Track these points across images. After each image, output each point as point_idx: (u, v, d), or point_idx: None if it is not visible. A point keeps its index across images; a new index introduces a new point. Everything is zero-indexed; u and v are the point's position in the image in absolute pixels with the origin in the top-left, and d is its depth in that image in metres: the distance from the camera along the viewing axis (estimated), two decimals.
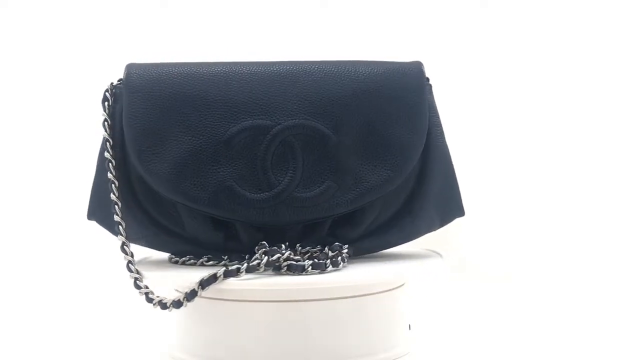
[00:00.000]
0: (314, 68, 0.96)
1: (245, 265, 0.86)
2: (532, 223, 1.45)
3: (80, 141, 1.50)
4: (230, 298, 0.88)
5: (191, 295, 0.85)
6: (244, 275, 0.85)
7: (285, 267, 0.87)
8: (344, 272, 0.89)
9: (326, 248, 0.94)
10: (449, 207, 1.01)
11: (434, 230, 1.01)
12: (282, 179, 0.93)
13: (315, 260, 0.89)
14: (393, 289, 0.93)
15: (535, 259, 1.42)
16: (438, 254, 1.03)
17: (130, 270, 0.92)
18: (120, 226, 0.93)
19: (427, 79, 1.00)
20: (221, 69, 0.96)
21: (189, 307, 0.91)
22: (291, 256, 0.88)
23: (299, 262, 0.88)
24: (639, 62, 1.44)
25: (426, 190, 0.98)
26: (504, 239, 1.45)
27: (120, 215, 0.93)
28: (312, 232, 0.95)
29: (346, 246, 0.94)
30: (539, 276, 1.38)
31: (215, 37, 1.49)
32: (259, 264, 0.87)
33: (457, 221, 1.41)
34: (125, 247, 0.93)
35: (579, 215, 1.43)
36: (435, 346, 1.01)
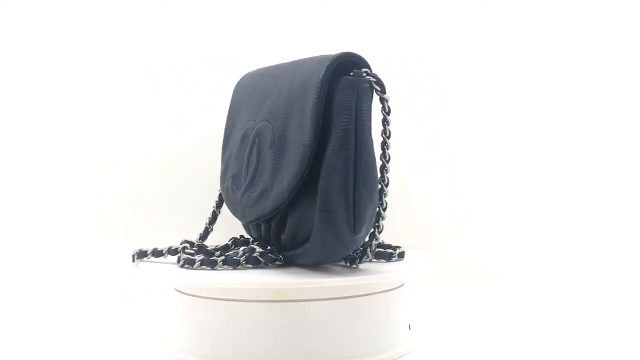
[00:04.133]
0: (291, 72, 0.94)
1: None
2: (532, 223, 1.45)
3: (76, 139, 1.50)
4: (230, 298, 0.88)
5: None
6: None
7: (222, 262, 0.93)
8: (343, 272, 0.89)
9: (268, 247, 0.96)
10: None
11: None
12: (246, 178, 0.96)
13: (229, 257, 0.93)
14: (393, 289, 0.93)
15: (535, 259, 1.42)
16: (437, 254, 1.03)
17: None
18: None
19: (362, 74, 0.87)
20: (253, 76, 1.04)
21: (189, 307, 0.91)
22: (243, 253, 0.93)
23: (234, 258, 0.93)
24: (636, 63, 1.44)
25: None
26: (504, 239, 1.45)
27: None
28: (267, 231, 0.96)
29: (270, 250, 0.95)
30: (539, 276, 1.38)
31: (215, 37, 1.50)
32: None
33: (457, 221, 1.41)
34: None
35: (579, 215, 1.43)
36: (435, 346, 1.01)
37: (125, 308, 1.24)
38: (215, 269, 0.92)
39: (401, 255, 0.97)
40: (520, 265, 1.41)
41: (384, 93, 0.88)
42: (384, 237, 1.07)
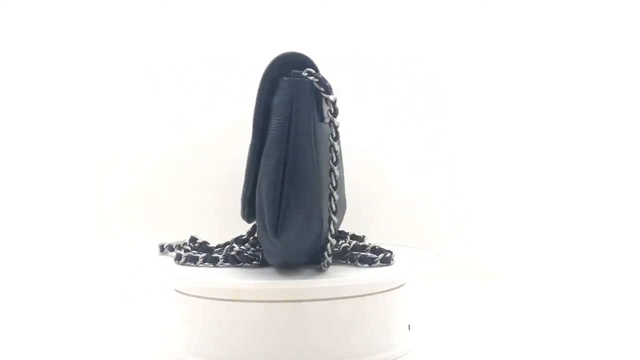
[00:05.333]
0: None
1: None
2: (532, 223, 1.45)
3: (77, 139, 1.50)
4: (230, 298, 0.88)
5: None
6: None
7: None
8: (344, 273, 0.89)
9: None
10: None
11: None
12: None
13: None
14: (393, 289, 0.93)
15: (536, 259, 1.42)
16: (437, 254, 1.03)
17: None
18: None
19: (302, 75, 0.85)
20: None
21: (189, 307, 0.91)
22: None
23: (213, 255, 0.95)
24: (636, 63, 1.44)
25: None
26: (504, 239, 1.45)
27: None
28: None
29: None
30: (539, 276, 1.38)
31: (215, 37, 1.50)
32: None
33: (457, 221, 1.41)
34: None
35: (579, 215, 1.43)
36: (435, 346, 1.01)
37: (125, 308, 1.24)
38: (197, 266, 0.94)
39: (385, 260, 0.93)
40: (520, 265, 1.41)
41: (329, 94, 0.85)
42: (384, 238, 1.08)
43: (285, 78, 0.85)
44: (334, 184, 0.86)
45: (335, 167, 0.86)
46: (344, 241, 0.99)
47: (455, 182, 1.48)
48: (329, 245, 0.87)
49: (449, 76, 1.48)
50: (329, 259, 0.88)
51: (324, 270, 0.89)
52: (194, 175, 1.47)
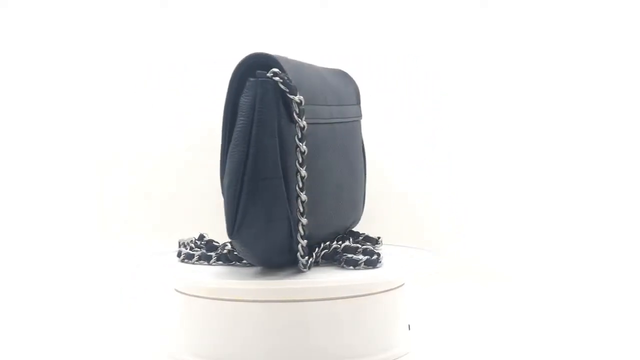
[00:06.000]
0: None
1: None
2: (532, 223, 1.45)
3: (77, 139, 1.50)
4: (230, 298, 0.88)
5: None
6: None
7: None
8: (343, 273, 0.89)
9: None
10: None
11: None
12: None
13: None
14: (392, 289, 0.93)
15: (536, 259, 1.42)
16: (437, 254, 1.03)
17: None
18: None
19: (266, 75, 0.85)
20: None
21: (189, 307, 0.91)
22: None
23: (207, 254, 0.96)
24: (636, 63, 1.44)
25: None
26: (504, 239, 1.45)
27: None
28: None
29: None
30: (539, 276, 1.38)
31: (215, 37, 1.50)
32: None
33: (457, 221, 1.41)
34: None
35: (579, 215, 1.43)
36: (435, 346, 1.01)
37: (125, 308, 1.24)
38: (193, 263, 0.95)
39: (370, 263, 0.91)
40: (521, 265, 1.41)
41: (293, 94, 0.85)
42: (384, 238, 1.08)
43: (251, 79, 0.84)
44: (300, 185, 0.85)
45: (302, 169, 0.85)
46: (338, 242, 0.97)
47: (455, 182, 1.48)
48: (299, 246, 0.87)
49: (449, 76, 1.48)
50: (303, 260, 0.88)
51: (304, 272, 0.88)
52: (194, 175, 1.47)
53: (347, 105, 1.03)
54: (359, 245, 0.96)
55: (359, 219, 1.09)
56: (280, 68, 0.85)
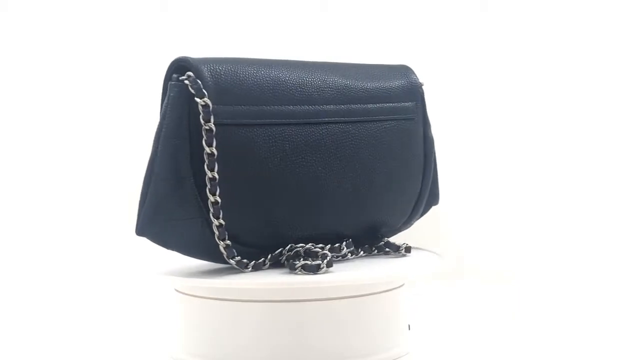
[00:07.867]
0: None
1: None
2: (531, 223, 1.45)
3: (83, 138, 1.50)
4: (230, 298, 0.88)
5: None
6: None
7: None
8: (343, 272, 0.89)
9: None
10: None
11: None
12: None
13: None
14: (393, 289, 0.93)
15: (535, 260, 1.42)
16: (437, 254, 1.03)
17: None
18: None
19: (180, 78, 0.88)
20: None
21: (189, 307, 0.91)
22: None
23: None
24: (636, 63, 1.44)
25: None
26: (504, 239, 1.45)
27: None
28: None
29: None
30: (540, 277, 1.38)
31: (215, 37, 1.50)
32: None
33: (457, 221, 1.41)
34: None
35: (579, 216, 1.43)
36: (435, 346, 1.02)
37: (125, 308, 1.24)
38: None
39: (308, 268, 0.88)
40: (521, 267, 1.41)
41: (201, 97, 0.86)
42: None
43: (170, 82, 0.87)
44: (209, 187, 0.86)
45: (210, 171, 0.86)
46: (304, 245, 0.93)
47: (455, 182, 1.48)
48: (220, 247, 0.87)
49: (449, 76, 1.48)
50: (231, 261, 0.88)
51: (245, 272, 0.89)
52: None
53: (363, 105, 0.99)
54: (320, 250, 0.92)
55: (390, 224, 1.02)
56: (196, 71, 0.86)
